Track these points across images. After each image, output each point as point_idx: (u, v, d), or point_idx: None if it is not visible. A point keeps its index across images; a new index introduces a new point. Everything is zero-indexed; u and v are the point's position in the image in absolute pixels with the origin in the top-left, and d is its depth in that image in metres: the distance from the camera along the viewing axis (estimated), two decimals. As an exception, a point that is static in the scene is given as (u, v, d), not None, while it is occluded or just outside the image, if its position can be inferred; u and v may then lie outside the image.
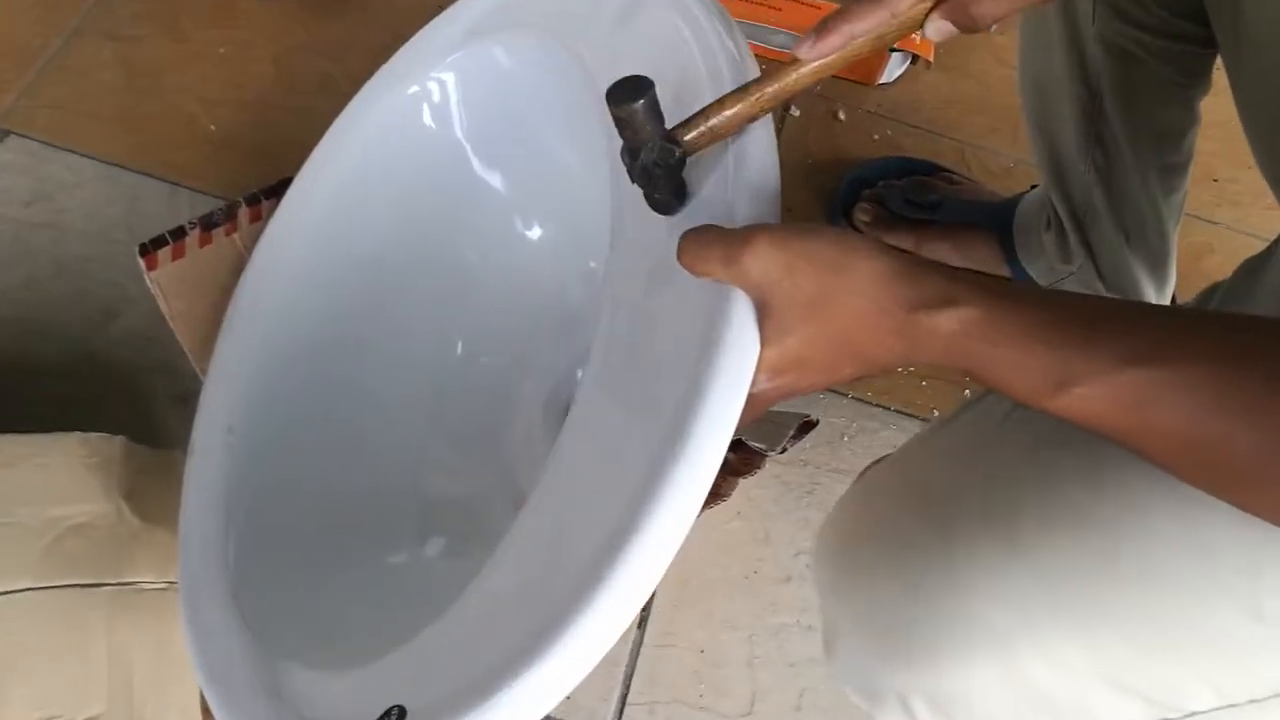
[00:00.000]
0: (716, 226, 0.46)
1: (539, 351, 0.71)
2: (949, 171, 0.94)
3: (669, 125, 0.48)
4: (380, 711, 0.46)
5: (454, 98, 0.72)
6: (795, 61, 0.48)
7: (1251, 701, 0.42)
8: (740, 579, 0.75)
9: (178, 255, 0.71)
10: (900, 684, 0.45)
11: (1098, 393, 0.37)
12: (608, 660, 0.66)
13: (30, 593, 0.59)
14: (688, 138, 0.49)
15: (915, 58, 0.99)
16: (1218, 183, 1.00)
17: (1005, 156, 0.99)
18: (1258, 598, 0.42)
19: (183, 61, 0.90)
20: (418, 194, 0.72)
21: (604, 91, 0.48)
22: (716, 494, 0.71)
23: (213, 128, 0.87)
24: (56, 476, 0.62)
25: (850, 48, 0.48)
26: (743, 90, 0.49)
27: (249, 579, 0.57)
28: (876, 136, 0.97)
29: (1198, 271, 0.96)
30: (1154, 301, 0.83)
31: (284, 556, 0.59)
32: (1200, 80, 0.72)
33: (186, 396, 0.76)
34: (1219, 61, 0.69)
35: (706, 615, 0.73)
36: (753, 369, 0.44)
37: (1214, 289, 0.53)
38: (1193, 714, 0.42)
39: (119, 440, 0.64)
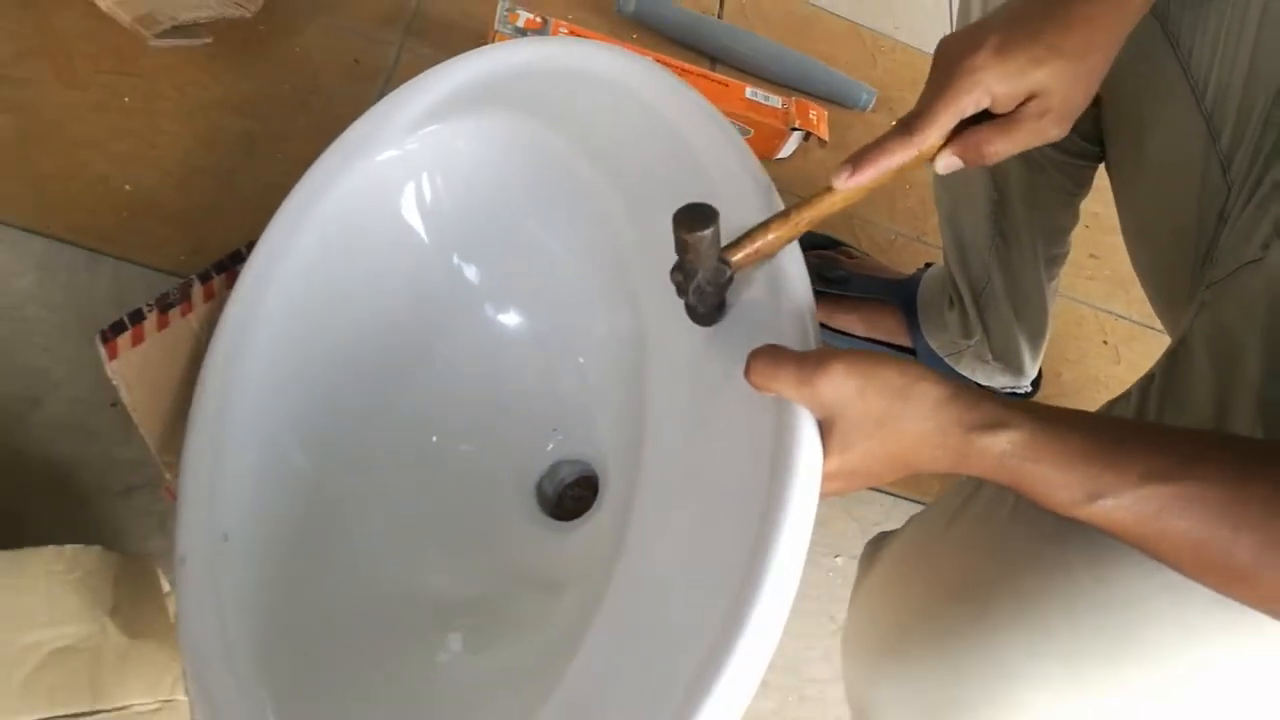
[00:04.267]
0: (787, 349, 0.49)
1: (519, 442, 0.72)
2: (846, 246, 1.03)
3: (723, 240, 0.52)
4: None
5: (427, 178, 0.72)
6: (830, 190, 0.54)
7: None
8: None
9: (137, 341, 0.66)
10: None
11: (1124, 505, 0.44)
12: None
13: (1, 733, 0.54)
14: (736, 258, 0.53)
15: (808, 134, 1.07)
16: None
17: (887, 230, 1.09)
18: (1237, 672, 0.51)
19: (83, 111, 0.83)
20: (385, 281, 0.72)
21: (593, 197, 0.51)
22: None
23: (128, 188, 0.81)
24: (31, 597, 0.56)
25: (879, 177, 0.54)
26: (783, 216, 0.54)
27: (265, 686, 0.55)
28: (781, 209, 1.04)
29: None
30: (1029, 366, 0.95)
31: (299, 664, 0.58)
32: (1087, 188, 0.83)
33: (130, 490, 0.71)
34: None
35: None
36: (819, 486, 0.48)
37: (1151, 377, 0.63)
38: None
39: (96, 550, 0.59)
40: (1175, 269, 0.73)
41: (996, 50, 0.53)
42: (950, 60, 0.54)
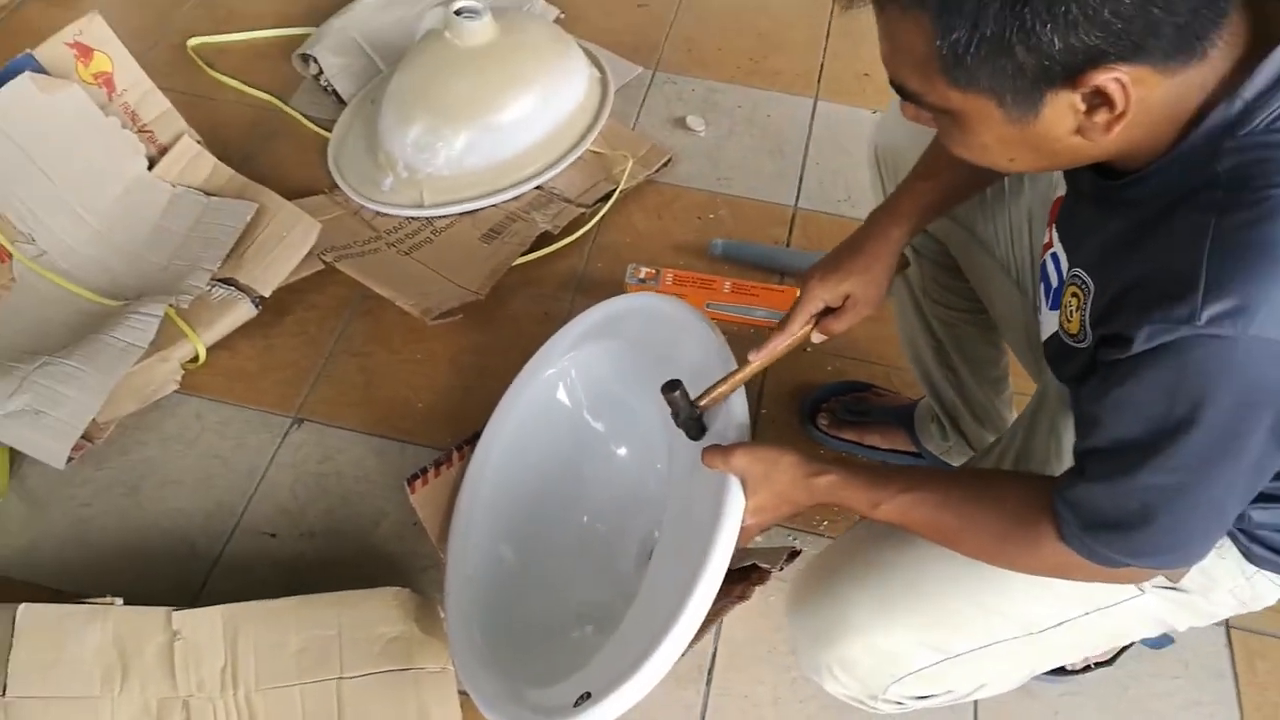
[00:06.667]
0: (720, 445, 0.97)
1: (630, 519, 1.22)
2: (877, 387, 1.47)
3: (693, 396, 1.01)
4: (576, 698, 0.94)
5: (570, 378, 1.27)
6: (748, 362, 1.02)
7: (982, 647, 0.90)
8: (765, 653, 1.22)
9: (424, 484, 1.24)
10: (822, 659, 0.93)
11: (891, 507, 0.87)
12: (686, 705, 1.13)
13: (370, 676, 1.09)
14: (703, 403, 1.01)
15: (851, 315, 1.53)
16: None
17: (910, 372, 1.51)
18: (981, 598, 0.90)
19: (397, 365, 1.48)
20: (554, 437, 1.26)
21: (658, 379, 1.02)
22: (742, 597, 1.19)
23: (420, 405, 1.44)
24: (379, 611, 1.13)
25: (774, 356, 1.01)
26: (726, 378, 1.02)
27: (494, 650, 1.06)
28: (830, 367, 1.51)
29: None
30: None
31: (507, 641, 1.09)
32: (995, 330, 1.24)
33: (425, 569, 1.27)
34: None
35: (746, 676, 1.20)
36: (743, 512, 0.94)
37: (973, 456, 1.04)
38: (956, 655, 0.90)
39: (407, 591, 1.15)
40: (1036, 381, 1.13)
41: (819, 279, 1.01)
42: (802, 285, 1.02)
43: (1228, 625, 1.27)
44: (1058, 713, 1.20)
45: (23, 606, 1.08)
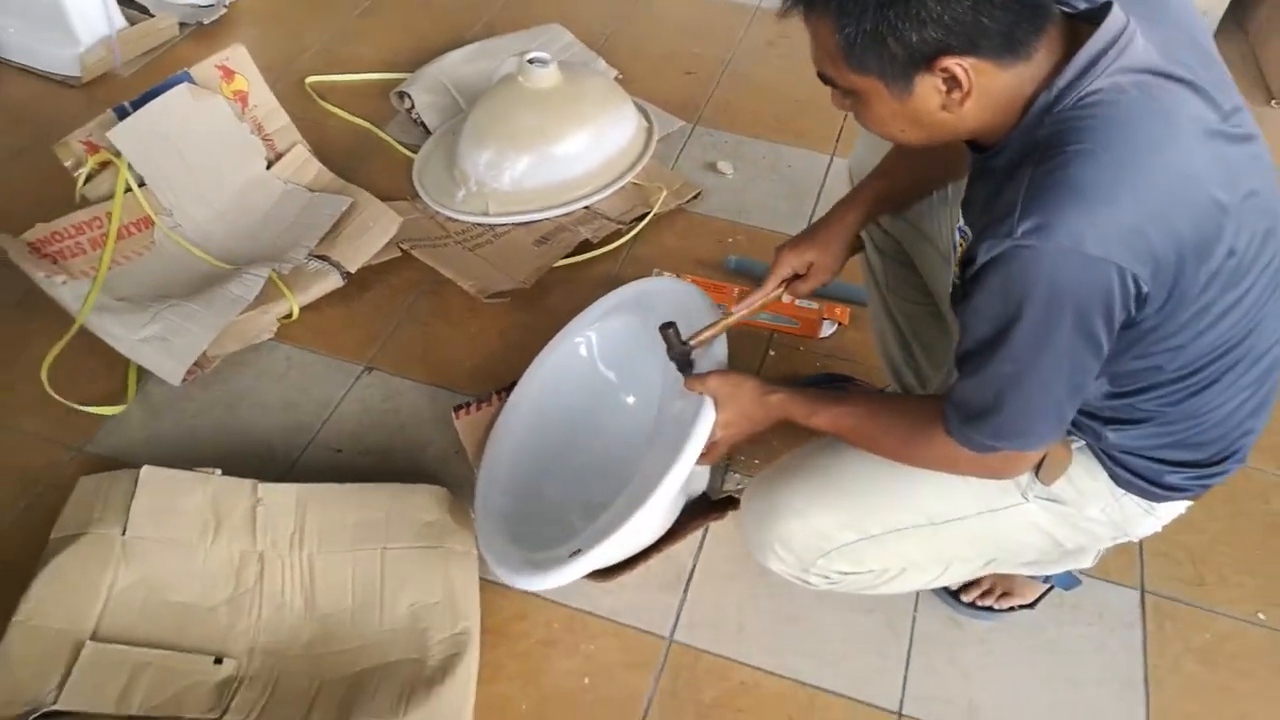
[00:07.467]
0: (699, 374, 1.23)
1: (631, 447, 1.46)
2: (858, 380, 1.72)
3: (684, 336, 1.27)
4: (570, 552, 1.19)
5: (594, 342, 1.55)
6: (730, 314, 1.29)
7: (893, 531, 1.13)
8: (735, 571, 1.45)
9: (467, 414, 1.52)
10: (767, 537, 1.17)
11: (824, 417, 1.14)
12: (666, 606, 1.37)
13: (408, 549, 1.35)
14: (692, 342, 1.28)
15: (839, 324, 1.80)
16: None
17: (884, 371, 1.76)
18: (892, 490, 1.14)
19: (453, 334, 1.78)
20: (578, 386, 1.53)
21: (660, 343, 1.29)
22: (719, 517, 1.43)
23: (469, 365, 1.73)
24: (421, 501, 1.40)
25: (751, 310, 1.28)
26: (713, 324, 1.29)
27: (510, 531, 1.32)
28: (819, 364, 1.76)
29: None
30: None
31: (523, 526, 1.35)
32: (949, 321, 1.49)
33: (463, 485, 1.54)
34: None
35: (717, 588, 1.43)
36: (713, 423, 1.20)
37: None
38: (872, 535, 1.14)
39: (445, 489, 1.42)
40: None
41: (789, 249, 1.29)
42: (775, 254, 1.30)
43: (1142, 588, 1.46)
44: (983, 641, 1.40)
45: (145, 468, 1.37)
